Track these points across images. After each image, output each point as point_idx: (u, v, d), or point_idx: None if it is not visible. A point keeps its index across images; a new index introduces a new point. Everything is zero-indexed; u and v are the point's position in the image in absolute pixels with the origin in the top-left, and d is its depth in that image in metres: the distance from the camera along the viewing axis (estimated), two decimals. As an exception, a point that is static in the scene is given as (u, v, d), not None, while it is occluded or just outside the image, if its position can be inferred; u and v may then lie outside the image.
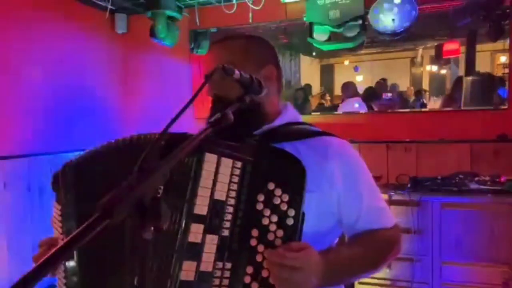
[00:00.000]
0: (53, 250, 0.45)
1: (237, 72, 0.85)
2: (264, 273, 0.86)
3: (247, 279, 0.86)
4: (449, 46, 5.50)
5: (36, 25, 3.29)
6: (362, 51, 5.50)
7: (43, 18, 3.37)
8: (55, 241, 1.06)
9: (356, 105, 4.37)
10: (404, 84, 7.18)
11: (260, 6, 3.60)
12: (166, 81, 4.12)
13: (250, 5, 3.61)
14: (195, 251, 0.85)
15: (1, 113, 2.99)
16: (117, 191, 0.52)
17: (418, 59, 8.25)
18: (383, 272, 2.82)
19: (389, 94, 4.26)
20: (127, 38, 4.16)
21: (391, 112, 4.21)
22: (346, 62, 8.54)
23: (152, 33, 3.55)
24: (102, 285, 0.96)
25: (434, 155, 3.31)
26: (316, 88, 7.82)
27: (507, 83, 3.36)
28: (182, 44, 3.91)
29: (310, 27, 3.45)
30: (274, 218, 0.87)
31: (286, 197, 0.87)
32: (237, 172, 0.88)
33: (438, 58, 6.04)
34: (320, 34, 3.41)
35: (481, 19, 3.54)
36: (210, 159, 0.87)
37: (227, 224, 0.87)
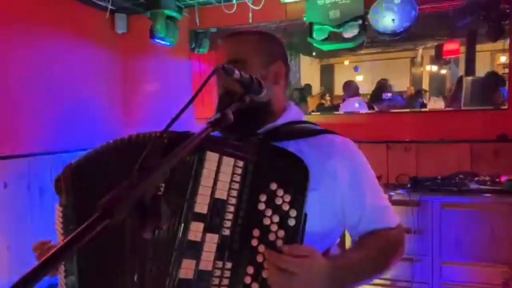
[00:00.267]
0: (53, 250, 0.45)
1: (237, 72, 0.85)
2: (265, 274, 0.85)
3: (248, 280, 0.86)
4: (449, 46, 5.50)
5: (36, 25, 3.29)
6: (362, 51, 5.51)
7: (43, 18, 3.37)
8: (47, 245, 1.07)
9: (357, 105, 4.37)
10: (404, 84, 7.18)
11: (260, 6, 3.60)
12: (166, 81, 4.12)
13: (250, 5, 3.61)
14: (195, 249, 0.85)
15: (1, 113, 2.99)
16: (117, 190, 0.52)
17: (418, 59, 8.26)
18: (383, 272, 2.82)
19: (389, 94, 4.27)
20: (127, 38, 4.16)
21: (391, 112, 4.21)
22: (346, 62, 8.55)
23: (152, 33, 3.55)
24: (102, 284, 0.96)
25: (434, 155, 3.31)
26: (316, 88, 7.81)
27: (507, 83, 3.36)
28: (182, 44, 3.91)
29: (310, 27, 3.44)
30: (276, 219, 0.86)
31: (288, 198, 0.87)
32: (239, 171, 0.88)
33: (438, 58, 6.04)
34: (320, 34, 3.41)
35: (481, 19, 3.53)
36: (211, 157, 0.87)
37: (228, 224, 0.87)
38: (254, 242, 0.86)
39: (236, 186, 0.88)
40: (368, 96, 5.45)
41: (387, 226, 1.04)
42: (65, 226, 1.00)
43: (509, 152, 3.12)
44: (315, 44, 3.53)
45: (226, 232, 0.87)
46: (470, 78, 4.11)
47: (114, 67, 4.13)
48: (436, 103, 5.76)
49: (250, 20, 3.68)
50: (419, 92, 6.53)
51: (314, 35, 3.42)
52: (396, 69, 7.56)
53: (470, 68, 4.70)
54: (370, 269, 0.98)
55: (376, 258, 0.99)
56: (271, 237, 0.86)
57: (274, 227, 0.86)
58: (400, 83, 6.46)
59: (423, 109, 5.04)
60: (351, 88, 4.68)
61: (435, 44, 6.11)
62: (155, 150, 0.65)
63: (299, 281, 0.81)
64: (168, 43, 3.67)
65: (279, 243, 0.86)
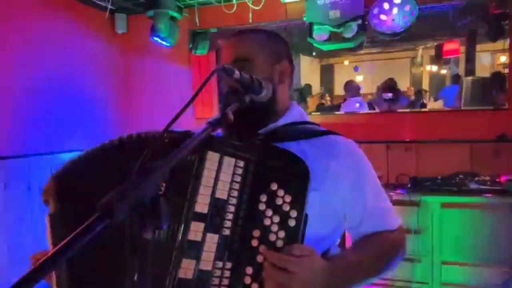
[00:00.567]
0: (53, 250, 0.45)
1: (237, 72, 0.85)
2: (265, 274, 0.85)
3: (248, 280, 0.85)
4: (449, 46, 5.50)
5: (36, 25, 3.29)
6: (362, 51, 5.51)
7: (44, 18, 3.37)
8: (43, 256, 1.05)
9: (357, 105, 4.38)
10: (404, 84, 7.19)
11: (260, 6, 3.60)
12: (166, 81, 4.12)
13: (250, 5, 3.61)
14: (195, 249, 0.85)
15: (1, 113, 2.99)
16: (117, 190, 0.52)
17: (418, 59, 8.27)
18: (383, 272, 2.82)
19: (389, 94, 4.27)
20: (127, 38, 4.16)
21: (391, 112, 4.21)
22: (346, 62, 8.56)
23: (152, 33, 3.55)
24: (102, 284, 0.96)
25: (434, 155, 3.31)
26: (316, 88, 7.82)
27: (507, 83, 3.36)
28: (182, 44, 3.91)
29: (310, 27, 3.44)
30: (276, 219, 0.86)
31: (288, 198, 0.86)
32: (240, 171, 0.88)
33: (438, 58, 6.05)
34: (320, 34, 3.41)
35: (481, 19, 3.53)
36: (212, 157, 0.87)
37: (228, 224, 0.87)
38: (254, 243, 0.86)
39: (237, 186, 0.87)
40: (369, 96, 5.45)
41: (388, 228, 1.03)
42: (53, 235, 1.00)
43: (509, 152, 3.12)
44: (315, 44, 3.53)
45: (227, 232, 0.87)
46: (470, 78, 4.12)
47: (114, 67, 4.13)
48: (436, 103, 5.77)
49: (250, 20, 3.68)
50: (419, 92, 6.54)
51: (314, 35, 3.42)
52: (396, 69, 7.57)
53: (470, 68, 4.70)
54: (369, 271, 0.98)
55: (376, 260, 0.99)
56: (272, 237, 0.86)
57: (274, 228, 0.86)
58: (400, 83, 6.47)
59: (423, 109, 5.04)
60: (351, 88, 4.68)
61: (435, 44, 6.11)
62: (156, 149, 0.65)
63: (298, 280, 0.81)
64: (168, 43, 3.67)
65: (280, 243, 0.85)
